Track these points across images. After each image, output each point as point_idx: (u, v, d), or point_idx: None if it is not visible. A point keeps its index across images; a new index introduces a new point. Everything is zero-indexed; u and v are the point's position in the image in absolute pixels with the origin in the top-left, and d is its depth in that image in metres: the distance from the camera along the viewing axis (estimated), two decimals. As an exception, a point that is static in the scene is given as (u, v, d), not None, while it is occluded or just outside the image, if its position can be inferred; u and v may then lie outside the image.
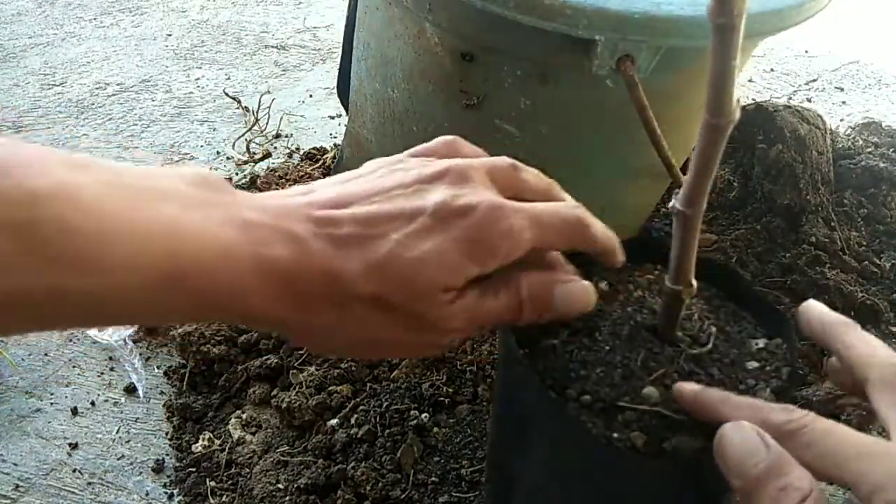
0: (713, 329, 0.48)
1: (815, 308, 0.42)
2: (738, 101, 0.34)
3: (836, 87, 1.61)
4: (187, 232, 0.32)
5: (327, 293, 0.34)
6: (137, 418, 0.83)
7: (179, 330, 0.90)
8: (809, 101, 1.54)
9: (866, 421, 0.81)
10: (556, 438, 0.45)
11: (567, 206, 0.41)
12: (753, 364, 0.47)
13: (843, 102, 1.55)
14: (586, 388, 0.44)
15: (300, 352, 0.86)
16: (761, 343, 0.48)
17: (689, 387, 0.40)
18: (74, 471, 0.78)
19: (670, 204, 0.39)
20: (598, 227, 0.42)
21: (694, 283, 0.42)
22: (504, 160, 0.42)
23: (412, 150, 0.43)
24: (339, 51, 0.97)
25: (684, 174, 0.81)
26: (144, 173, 0.33)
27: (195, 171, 0.35)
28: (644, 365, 0.44)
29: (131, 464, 0.78)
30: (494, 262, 0.37)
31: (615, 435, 0.41)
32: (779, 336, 0.49)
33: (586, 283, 0.42)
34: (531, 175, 0.43)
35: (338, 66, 1.01)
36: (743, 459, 0.33)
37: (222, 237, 0.32)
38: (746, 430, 0.34)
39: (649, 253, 0.55)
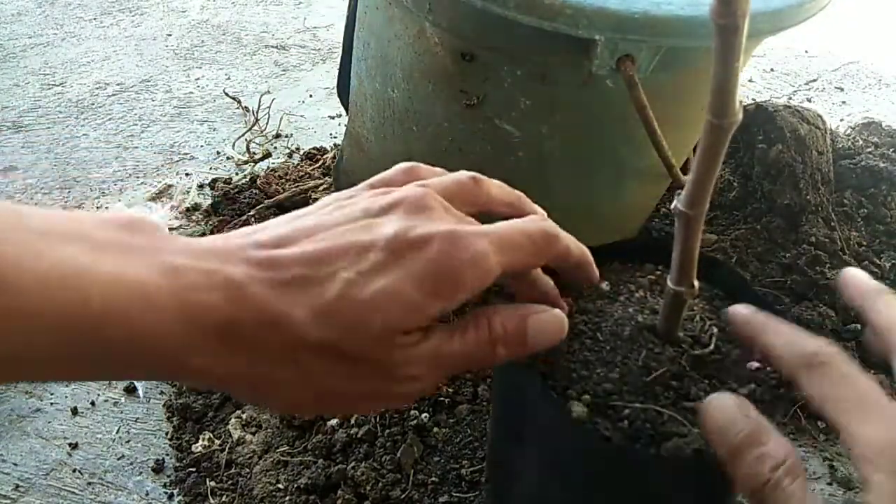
0: (714, 329, 0.48)
1: (852, 275, 0.40)
2: (741, 102, 0.33)
3: (836, 87, 1.61)
4: (97, 277, 0.28)
5: (271, 344, 0.31)
6: (137, 418, 0.83)
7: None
8: (809, 101, 1.54)
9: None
10: (557, 438, 0.45)
11: (532, 221, 0.38)
12: (755, 364, 0.47)
13: (843, 102, 1.55)
14: (587, 388, 0.44)
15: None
16: None
17: (742, 310, 0.39)
18: (74, 471, 0.78)
19: (672, 205, 0.39)
20: (569, 240, 0.40)
21: (696, 283, 0.42)
22: (463, 175, 0.39)
23: (369, 181, 0.39)
24: (339, 51, 0.97)
25: (685, 174, 0.81)
26: (55, 216, 0.30)
27: (122, 215, 0.32)
28: (645, 365, 0.45)
29: (131, 464, 0.78)
30: (461, 295, 0.33)
31: (615, 434, 0.41)
32: None
33: (557, 311, 0.38)
34: (495, 187, 0.40)
35: (338, 66, 1.01)
36: (724, 429, 0.33)
37: (141, 282, 0.29)
38: (727, 401, 0.34)
39: (650, 253, 0.55)
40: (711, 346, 0.47)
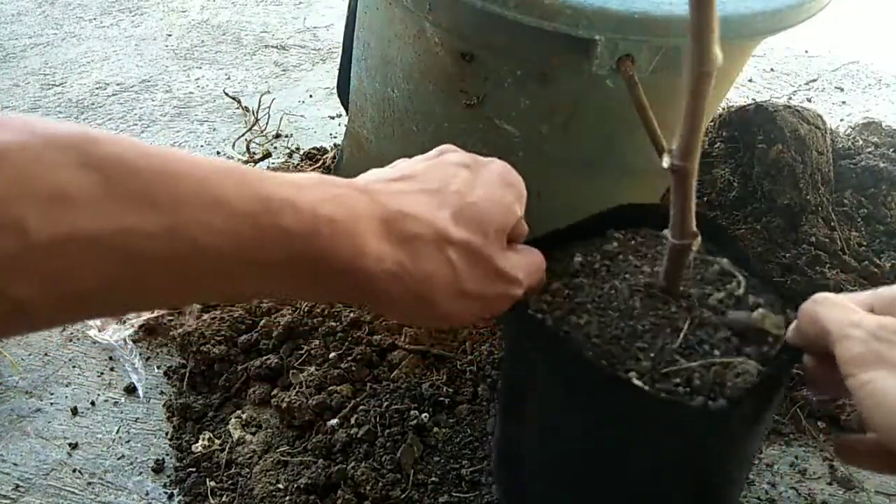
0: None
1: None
2: (718, 50, 0.36)
3: (836, 87, 1.61)
4: (276, 178, 0.33)
5: (428, 235, 0.38)
6: (137, 418, 0.83)
7: (179, 330, 0.90)
8: (809, 101, 1.54)
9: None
10: (566, 378, 0.46)
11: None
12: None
13: (843, 102, 1.55)
14: (591, 331, 0.45)
15: (300, 352, 0.86)
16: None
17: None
18: (74, 471, 0.78)
19: (664, 163, 0.39)
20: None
21: (696, 235, 0.43)
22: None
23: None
24: (339, 51, 0.97)
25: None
26: (257, 171, 0.35)
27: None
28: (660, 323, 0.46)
29: (131, 464, 0.78)
30: (521, 207, 0.44)
31: (621, 373, 0.43)
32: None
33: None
34: None
35: (338, 67, 1.01)
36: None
37: (315, 197, 0.34)
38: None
39: (599, 226, 0.57)
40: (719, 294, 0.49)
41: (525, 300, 0.47)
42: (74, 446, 0.80)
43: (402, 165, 0.43)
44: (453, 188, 0.40)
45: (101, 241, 0.27)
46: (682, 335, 0.45)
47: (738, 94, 1.54)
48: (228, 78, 1.59)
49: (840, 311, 0.38)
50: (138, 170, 0.28)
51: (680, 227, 0.43)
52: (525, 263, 0.44)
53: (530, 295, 0.47)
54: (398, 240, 0.37)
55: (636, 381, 0.43)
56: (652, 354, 0.44)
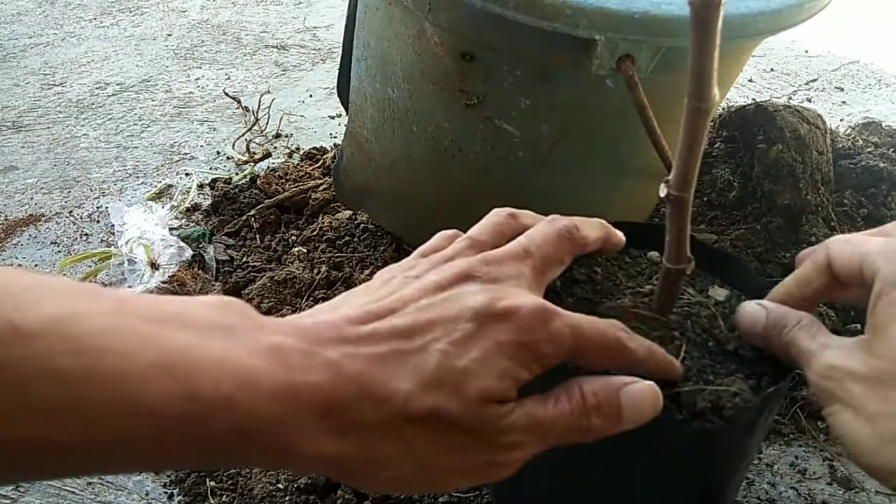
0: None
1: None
2: (717, 89, 0.36)
3: (836, 87, 1.61)
4: (206, 364, 0.28)
5: (379, 420, 0.31)
6: (137, 418, 0.83)
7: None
8: (809, 101, 1.54)
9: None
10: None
11: (611, 324, 0.38)
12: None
13: (843, 102, 1.55)
14: None
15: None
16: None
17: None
18: (74, 471, 0.77)
19: (661, 191, 0.40)
20: (640, 348, 0.39)
21: (690, 260, 0.44)
22: (555, 229, 0.41)
23: (419, 251, 0.41)
24: (339, 51, 0.97)
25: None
26: (153, 300, 0.31)
27: (216, 298, 0.33)
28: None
29: (131, 464, 0.78)
30: (539, 368, 0.35)
31: None
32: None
33: (650, 383, 0.37)
34: (587, 228, 0.44)
35: (338, 67, 1.01)
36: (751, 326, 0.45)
37: (250, 366, 0.29)
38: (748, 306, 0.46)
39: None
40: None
41: None
42: (74, 446, 0.80)
43: (389, 299, 0.35)
44: (440, 346, 0.33)
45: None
46: (679, 359, 0.45)
47: (738, 94, 1.54)
48: (228, 78, 1.59)
49: (804, 338, 0.41)
50: (51, 380, 0.25)
51: (675, 253, 0.44)
52: (540, 417, 0.35)
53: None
54: (339, 431, 0.31)
55: None
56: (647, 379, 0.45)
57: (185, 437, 0.28)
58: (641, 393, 0.37)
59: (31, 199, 1.20)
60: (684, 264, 0.44)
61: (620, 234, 0.46)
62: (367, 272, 0.96)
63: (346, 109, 0.94)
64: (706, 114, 0.36)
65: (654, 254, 0.57)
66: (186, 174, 1.26)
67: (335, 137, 1.38)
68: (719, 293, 0.54)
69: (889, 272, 0.37)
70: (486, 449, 0.34)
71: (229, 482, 0.75)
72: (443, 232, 0.42)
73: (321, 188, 1.12)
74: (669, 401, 0.43)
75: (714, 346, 0.48)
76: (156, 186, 1.23)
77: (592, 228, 0.44)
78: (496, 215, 0.42)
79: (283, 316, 0.89)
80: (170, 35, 1.79)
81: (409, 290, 0.35)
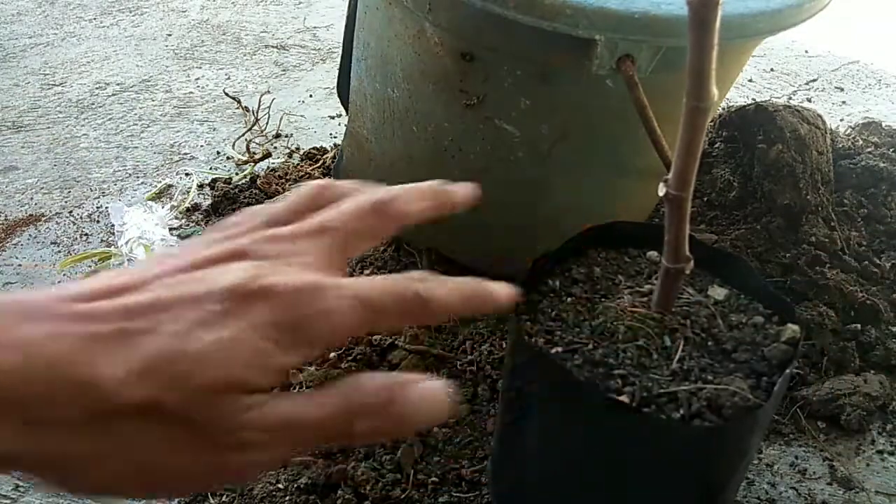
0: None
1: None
2: (715, 88, 0.36)
3: (836, 87, 1.61)
4: None
5: (78, 411, 0.26)
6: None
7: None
8: (809, 101, 1.54)
9: (866, 422, 0.81)
10: (564, 401, 0.47)
11: (404, 278, 0.32)
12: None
13: (843, 102, 1.55)
14: (585, 356, 0.46)
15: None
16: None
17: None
18: (74, 471, 0.77)
19: (660, 190, 0.40)
20: (448, 297, 0.33)
21: (689, 259, 0.44)
22: (311, 188, 0.36)
23: (215, 226, 0.35)
24: (339, 51, 0.97)
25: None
26: None
27: None
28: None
29: (131, 464, 0.78)
30: (317, 349, 0.30)
31: (608, 391, 0.44)
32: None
33: (439, 384, 0.31)
34: (343, 189, 0.37)
35: (338, 67, 1.01)
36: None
37: None
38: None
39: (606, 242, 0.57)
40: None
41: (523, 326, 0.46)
42: (74, 446, 0.80)
43: (138, 275, 0.30)
44: (173, 328, 0.28)
45: None
46: (675, 359, 0.46)
47: (738, 94, 1.54)
48: (228, 78, 1.59)
49: None
50: None
51: (674, 252, 0.44)
52: (288, 413, 0.29)
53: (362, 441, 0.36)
54: (25, 423, 0.25)
55: (631, 404, 0.43)
56: (645, 378, 0.45)
57: None
58: (427, 393, 0.31)
59: (31, 199, 1.20)
60: (683, 263, 0.44)
61: (459, 193, 0.38)
62: (367, 272, 0.96)
63: (346, 109, 0.94)
64: (705, 113, 0.37)
65: (653, 253, 0.57)
66: (186, 174, 1.26)
67: (335, 137, 1.38)
68: (719, 292, 0.54)
69: None
70: (212, 448, 0.28)
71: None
72: (253, 208, 0.37)
73: (321, 188, 1.12)
74: (668, 399, 0.44)
75: (713, 346, 0.48)
76: (156, 186, 1.23)
77: (414, 199, 0.36)
78: (305, 187, 0.36)
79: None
80: (170, 35, 1.79)
81: (164, 267, 0.31)
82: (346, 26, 0.89)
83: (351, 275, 0.97)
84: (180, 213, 1.15)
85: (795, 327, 0.49)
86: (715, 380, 0.45)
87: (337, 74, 1.00)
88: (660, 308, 0.48)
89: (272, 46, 1.75)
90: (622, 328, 0.48)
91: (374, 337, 0.87)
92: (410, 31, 0.72)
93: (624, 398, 0.43)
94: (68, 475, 0.27)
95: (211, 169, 1.28)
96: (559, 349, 0.47)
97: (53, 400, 0.26)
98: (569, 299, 0.51)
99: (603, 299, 0.51)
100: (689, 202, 0.41)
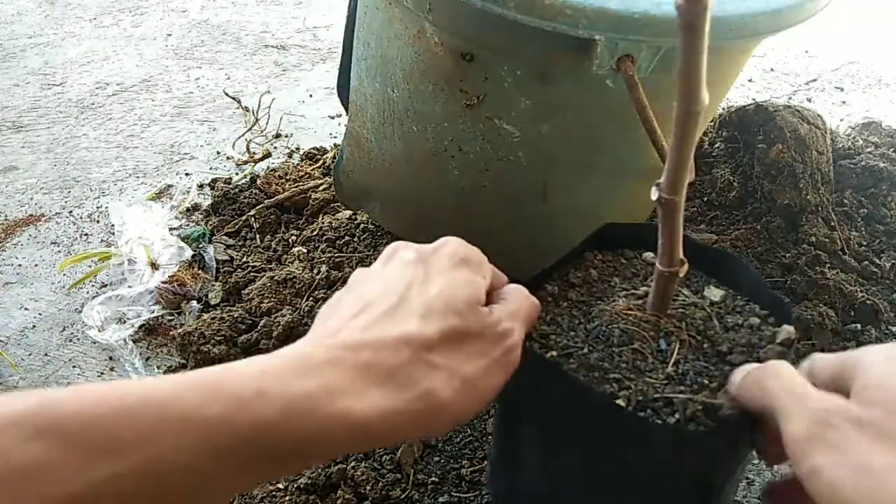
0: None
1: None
2: (706, 92, 0.36)
3: (836, 87, 1.61)
4: (235, 371, 0.33)
5: (407, 356, 0.36)
6: (137, 418, 0.83)
7: (179, 330, 0.90)
8: (809, 101, 1.54)
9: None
10: (556, 399, 0.47)
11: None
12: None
13: (843, 102, 1.55)
14: (582, 359, 0.46)
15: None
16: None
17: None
18: (74, 471, 0.77)
19: (652, 195, 0.40)
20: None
21: (683, 262, 0.44)
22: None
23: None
24: (339, 51, 0.97)
25: (684, 174, 0.80)
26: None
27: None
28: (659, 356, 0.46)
29: (131, 464, 0.78)
30: (484, 271, 0.43)
31: (606, 394, 0.44)
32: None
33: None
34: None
35: (338, 66, 1.01)
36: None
37: (281, 364, 0.34)
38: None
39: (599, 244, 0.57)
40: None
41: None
42: (74, 446, 0.80)
43: (357, 291, 0.42)
44: (413, 291, 0.40)
45: (75, 500, 0.27)
46: (671, 362, 0.46)
47: (738, 94, 1.54)
48: (228, 78, 1.59)
49: (788, 382, 0.37)
50: (97, 418, 0.28)
51: (668, 255, 0.44)
52: (512, 308, 0.42)
53: (529, 330, 0.46)
54: (380, 380, 0.35)
55: (628, 408, 0.43)
56: (641, 382, 0.45)
57: (233, 434, 0.30)
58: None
59: (31, 199, 1.20)
60: (677, 267, 0.44)
61: None
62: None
63: (346, 109, 0.94)
64: (696, 116, 0.36)
65: (649, 255, 0.57)
66: (186, 174, 1.26)
67: (335, 137, 1.38)
68: (714, 293, 0.54)
69: (871, 352, 0.36)
70: (495, 341, 0.39)
71: (229, 482, 0.75)
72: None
73: (321, 188, 1.12)
74: (664, 404, 0.44)
75: (709, 348, 0.48)
76: (156, 186, 1.23)
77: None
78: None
79: (283, 316, 0.89)
80: (170, 35, 1.79)
81: (367, 284, 0.43)
82: (346, 26, 0.89)
83: (350, 275, 0.97)
84: (180, 212, 1.15)
85: (790, 328, 0.49)
86: (711, 384, 0.45)
87: (337, 74, 1.00)
88: (655, 311, 0.48)
89: (272, 46, 1.75)
90: (617, 332, 0.47)
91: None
92: (410, 31, 0.72)
93: (620, 401, 0.43)
94: (427, 413, 0.36)
95: (211, 169, 1.28)
96: (554, 353, 0.47)
97: (393, 359, 0.36)
98: (564, 303, 0.51)
99: (599, 302, 0.51)
100: (681, 205, 0.41)
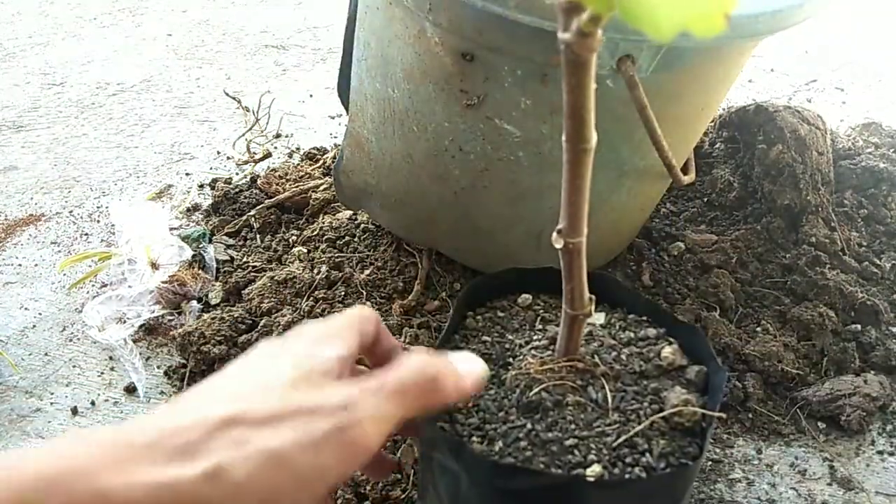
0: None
1: None
2: (594, 130, 0.35)
3: (836, 88, 1.61)
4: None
5: (201, 433, 0.33)
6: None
7: (179, 330, 0.90)
8: (809, 101, 1.54)
9: (866, 422, 0.81)
10: (457, 469, 0.44)
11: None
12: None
13: (843, 102, 1.55)
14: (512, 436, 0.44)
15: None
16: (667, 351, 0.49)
17: None
18: (74, 471, 0.77)
19: (554, 240, 0.39)
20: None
21: (592, 301, 0.43)
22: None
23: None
24: (339, 51, 0.97)
25: (685, 174, 0.81)
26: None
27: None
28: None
29: (131, 464, 0.78)
30: (353, 336, 0.40)
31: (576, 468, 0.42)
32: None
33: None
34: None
35: (338, 66, 1.01)
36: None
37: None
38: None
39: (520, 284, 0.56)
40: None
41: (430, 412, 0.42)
42: (74, 446, 0.80)
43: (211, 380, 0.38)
44: (247, 374, 0.37)
45: None
46: (611, 403, 0.44)
47: (738, 95, 1.54)
48: (229, 78, 1.59)
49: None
50: None
51: (579, 298, 0.42)
52: (378, 384, 0.36)
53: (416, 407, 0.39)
54: (165, 456, 0.32)
55: (605, 475, 0.41)
56: (595, 436, 0.43)
57: None
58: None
59: (31, 199, 1.20)
60: (588, 307, 0.43)
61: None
62: (366, 272, 0.96)
63: (346, 109, 0.94)
64: (588, 154, 0.36)
65: (525, 296, 0.55)
66: (187, 174, 1.26)
67: (335, 137, 1.38)
68: (597, 317, 0.52)
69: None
70: (326, 416, 0.35)
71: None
72: None
73: (321, 188, 1.12)
74: (628, 445, 0.42)
75: (631, 372, 0.47)
76: (156, 186, 1.23)
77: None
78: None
79: (283, 316, 0.89)
80: (170, 35, 1.79)
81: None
82: (347, 26, 0.89)
83: (351, 274, 0.96)
84: (180, 212, 1.15)
85: (670, 349, 0.48)
86: (662, 407, 0.44)
87: (337, 74, 1.00)
88: (567, 355, 0.46)
89: (272, 46, 1.75)
90: (545, 395, 0.45)
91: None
92: (411, 31, 0.72)
93: (596, 468, 0.41)
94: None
95: (211, 169, 1.28)
96: (500, 444, 0.43)
97: (186, 432, 0.33)
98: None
99: (509, 368, 0.48)
100: (583, 249, 0.39)
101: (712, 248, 1.00)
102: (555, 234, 0.39)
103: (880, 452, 0.79)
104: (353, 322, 0.40)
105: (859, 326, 0.90)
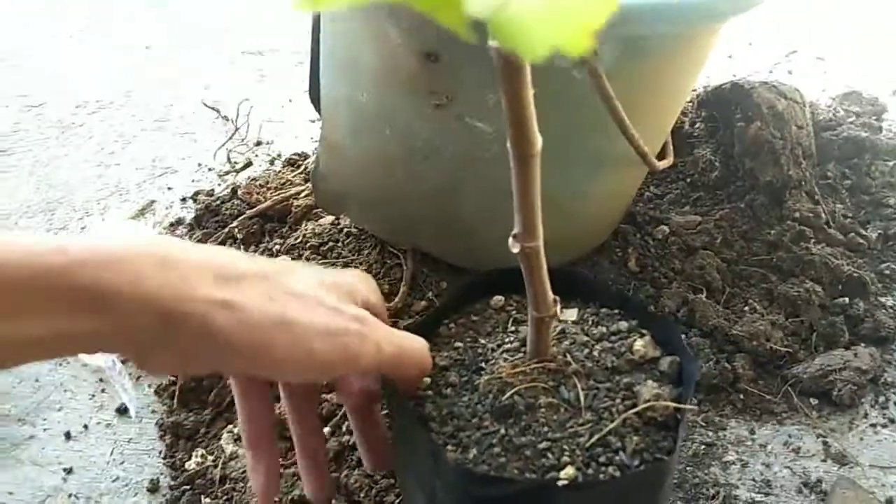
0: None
1: None
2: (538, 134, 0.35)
3: (816, 58, 1.60)
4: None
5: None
6: (130, 439, 0.83)
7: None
8: (790, 73, 1.53)
9: (858, 396, 0.81)
10: (433, 471, 0.44)
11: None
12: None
13: (824, 72, 1.54)
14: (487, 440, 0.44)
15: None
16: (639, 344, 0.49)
17: None
18: (70, 496, 0.77)
19: (513, 250, 0.39)
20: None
21: (556, 302, 0.43)
22: None
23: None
24: (312, 55, 0.96)
25: (660, 160, 0.80)
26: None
27: None
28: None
29: (126, 485, 0.78)
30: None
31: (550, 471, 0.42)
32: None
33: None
34: None
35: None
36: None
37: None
38: None
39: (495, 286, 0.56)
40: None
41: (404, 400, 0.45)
42: (69, 471, 0.80)
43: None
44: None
45: None
46: (584, 402, 0.44)
47: (719, 70, 1.53)
48: (207, 88, 1.58)
49: None
50: None
51: (542, 300, 0.42)
52: (388, 331, 0.44)
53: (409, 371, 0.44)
54: (222, 281, 0.38)
55: (579, 477, 0.41)
56: (568, 437, 0.43)
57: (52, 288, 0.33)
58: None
59: (16, 223, 1.20)
60: (553, 308, 0.43)
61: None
62: (352, 277, 0.95)
63: (320, 114, 0.94)
64: (535, 159, 0.36)
65: (498, 298, 0.55)
66: (169, 188, 1.26)
67: (316, 141, 1.37)
68: (569, 314, 0.52)
69: None
70: (338, 315, 0.41)
71: (224, 498, 0.75)
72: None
73: (303, 195, 1.11)
74: (601, 444, 0.42)
75: (603, 368, 0.47)
76: (139, 203, 1.22)
77: None
78: None
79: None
80: (148, 47, 1.78)
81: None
82: (313, 31, 0.89)
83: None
84: (164, 228, 1.14)
85: (641, 341, 0.48)
86: (635, 402, 0.44)
87: (308, 79, 1.00)
88: (537, 356, 0.46)
89: (251, 52, 1.75)
90: (517, 398, 0.45)
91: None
92: (374, 34, 0.71)
93: (570, 471, 0.41)
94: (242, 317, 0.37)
95: (193, 181, 1.28)
96: (474, 451, 0.43)
97: (233, 266, 0.39)
98: (448, 390, 0.48)
99: (482, 373, 0.48)
100: (541, 252, 0.40)
101: (696, 229, 1.00)
102: (511, 240, 0.39)
103: (873, 425, 0.79)
104: (369, 278, 0.47)
105: (847, 299, 0.90)
